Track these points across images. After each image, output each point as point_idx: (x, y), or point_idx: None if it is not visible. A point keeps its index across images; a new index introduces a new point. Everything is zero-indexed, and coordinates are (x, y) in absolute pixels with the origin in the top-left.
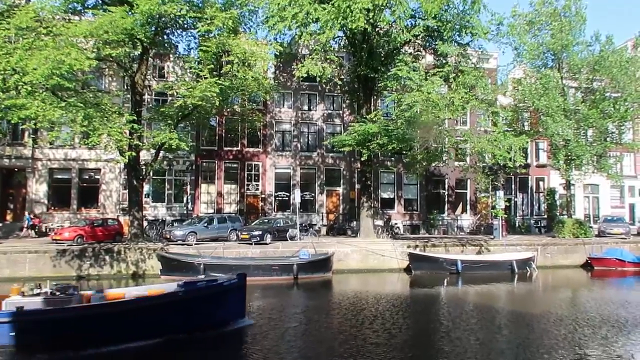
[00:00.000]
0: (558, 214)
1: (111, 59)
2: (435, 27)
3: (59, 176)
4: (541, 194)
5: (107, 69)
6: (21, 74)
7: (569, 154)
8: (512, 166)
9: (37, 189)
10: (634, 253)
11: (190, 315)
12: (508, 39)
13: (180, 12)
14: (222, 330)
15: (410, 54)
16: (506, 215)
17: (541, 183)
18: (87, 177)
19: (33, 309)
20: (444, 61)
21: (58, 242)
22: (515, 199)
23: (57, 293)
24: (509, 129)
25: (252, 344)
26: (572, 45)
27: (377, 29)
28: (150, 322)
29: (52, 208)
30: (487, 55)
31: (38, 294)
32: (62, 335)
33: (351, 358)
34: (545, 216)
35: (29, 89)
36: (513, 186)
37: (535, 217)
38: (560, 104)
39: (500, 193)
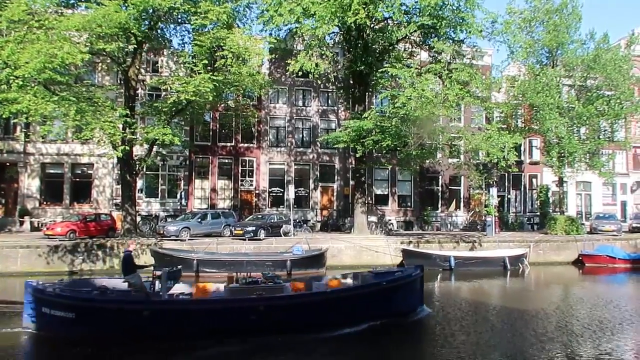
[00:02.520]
0: (551, 211)
1: (104, 53)
2: (430, 24)
3: (52, 171)
4: (534, 191)
5: (100, 63)
6: (13, 68)
7: (562, 151)
8: (505, 164)
9: (30, 183)
10: (624, 250)
11: (389, 303)
12: (502, 37)
13: (174, 5)
14: (412, 318)
15: (405, 50)
16: (499, 212)
17: (534, 180)
18: (79, 172)
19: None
20: (439, 58)
21: (50, 237)
22: (509, 196)
23: (268, 282)
24: (503, 127)
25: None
26: (568, 43)
27: (372, 25)
28: (359, 309)
29: (45, 203)
30: (482, 53)
31: (254, 282)
32: (302, 319)
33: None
34: (538, 213)
35: (21, 82)
36: (506, 183)
37: (528, 214)
38: (555, 101)
39: (494, 190)
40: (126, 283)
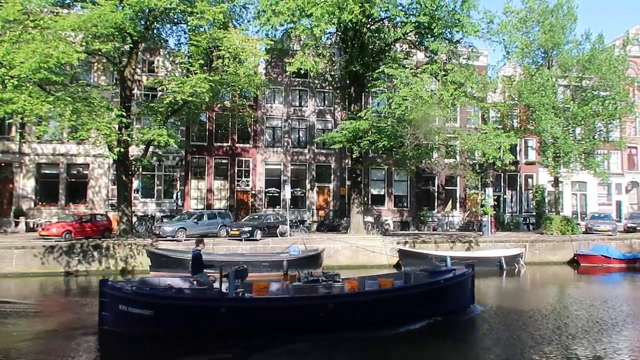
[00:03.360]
0: (546, 210)
1: (100, 53)
2: (426, 24)
3: (47, 171)
4: (530, 191)
5: (96, 63)
6: (8, 68)
7: (558, 151)
8: (500, 164)
9: (25, 184)
10: (619, 250)
11: (446, 301)
12: (498, 37)
13: (170, 5)
14: (466, 316)
15: (402, 51)
16: (495, 212)
17: (530, 180)
18: (75, 172)
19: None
20: (435, 58)
21: (46, 237)
22: (505, 196)
23: (328, 280)
24: (499, 127)
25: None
26: (563, 43)
27: (368, 25)
28: (420, 306)
29: (40, 203)
30: (478, 53)
31: (315, 280)
32: (360, 315)
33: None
34: (534, 213)
35: (16, 82)
36: (502, 183)
37: (524, 214)
38: (551, 102)
39: (490, 190)
40: (194, 281)
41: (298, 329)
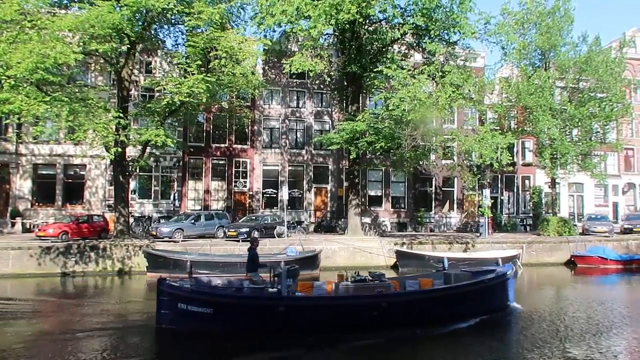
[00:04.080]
0: (543, 212)
1: (97, 53)
2: (424, 25)
3: (44, 172)
4: (527, 193)
5: (93, 64)
6: (5, 68)
7: (555, 152)
8: (498, 166)
9: (21, 184)
10: (616, 251)
11: (491, 300)
12: (495, 38)
13: (168, 5)
14: (509, 314)
15: (399, 52)
16: (492, 214)
17: (527, 181)
18: (72, 173)
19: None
20: (432, 60)
21: (42, 238)
22: (502, 197)
23: (374, 280)
24: (496, 128)
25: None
26: (560, 45)
27: (366, 26)
28: (468, 304)
29: (37, 204)
30: (475, 54)
31: (362, 280)
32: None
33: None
34: (531, 214)
35: (13, 82)
36: (499, 184)
37: (521, 215)
38: (548, 103)
39: (487, 191)
40: (247, 280)
41: (353, 327)
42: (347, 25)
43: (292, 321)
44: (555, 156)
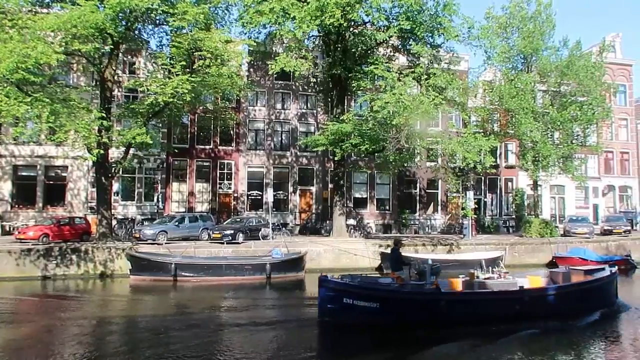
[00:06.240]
0: (526, 214)
1: (80, 53)
2: (409, 28)
3: (24, 173)
4: (510, 195)
5: (75, 64)
6: None
7: (537, 155)
8: (481, 168)
9: (1, 186)
10: (596, 252)
11: (604, 296)
12: (479, 42)
13: (151, 5)
14: (619, 310)
15: (384, 55)
16: (476, 215)
17: (510, 184)
18: (53, 174)
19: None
20: (417, 62)
21: (22, 241)
22: (485, 199)
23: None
24: (479, 131)
25: None
26: (542, 49)
27: (351, 29)
28: (590, 300)
29: (17, 206)
30: (459, 58)
31: (490, 277)
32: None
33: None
34: (514, 216)
35: None
36: (483, 187)
37: (504, 217)
38: (530, 106)
39: (470, 193)
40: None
41: (500, 319)
42: (332, 28)
43: (451, 314)
44: (537, 159)
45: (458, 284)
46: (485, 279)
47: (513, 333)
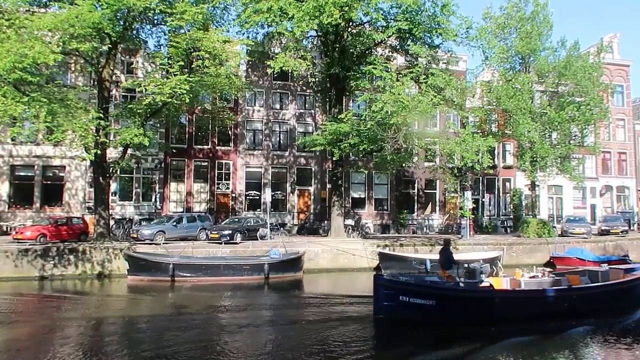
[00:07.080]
0: (523, 214)
1: (78, 53)
2: (407, 28)
3: (22, 173)
4: (507, 195)
5: (73, 64)
6: None
7: (535, 155)
8: (479, 168)
9: None
10: (594, 252)
11: None
12: (477, 42)
13: (149, 5)
14: None
15: (382, 55)
16: (474, 216)
17: (508, 184)
18: (51, 174)
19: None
20: (415, 62)
21: (20, 241)
22: (483, 200)
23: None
24: (478, 131)
25: None
26: (539, 50)
27: (350, 29)
28: (631, 298)
29: (14, 206)
30: (457, 58)
31: (534, 276)
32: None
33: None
34: (512, 216)
35: None
36: (481, 187)
37: (501, 217)
38: (528, 106)
39: (468, 194)
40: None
41: (550, 316)
42: (331, 28)
43: (505, 312)
44: (535, 159)
45: (501, 282)
46: (530, 277)
47: (565, 330)
